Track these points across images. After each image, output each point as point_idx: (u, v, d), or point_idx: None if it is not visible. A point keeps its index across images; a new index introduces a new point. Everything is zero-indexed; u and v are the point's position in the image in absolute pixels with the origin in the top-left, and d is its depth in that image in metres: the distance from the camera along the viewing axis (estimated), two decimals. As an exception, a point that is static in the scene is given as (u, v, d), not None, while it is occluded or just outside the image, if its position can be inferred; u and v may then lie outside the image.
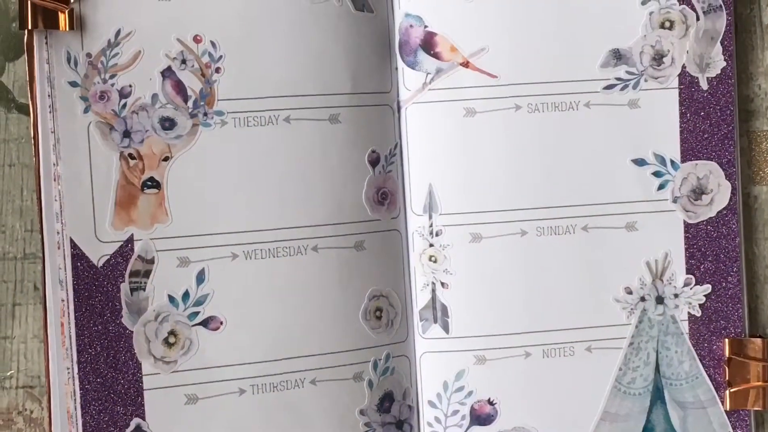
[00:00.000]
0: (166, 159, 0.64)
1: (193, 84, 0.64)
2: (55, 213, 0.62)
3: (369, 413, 0.66)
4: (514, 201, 0.67)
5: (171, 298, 0.63)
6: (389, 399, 0.67)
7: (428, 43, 0.67)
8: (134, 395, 0.63)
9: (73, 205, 0.62)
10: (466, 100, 0.67)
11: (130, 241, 0.63)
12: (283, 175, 0.65)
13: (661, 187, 0.68)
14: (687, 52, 0.67)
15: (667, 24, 0.67)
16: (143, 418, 0.63)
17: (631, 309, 0.68)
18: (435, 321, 0.67)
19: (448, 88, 0.67)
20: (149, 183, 0.63)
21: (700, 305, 0.68)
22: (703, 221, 0.68)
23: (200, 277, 0.64)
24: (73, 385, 0.62)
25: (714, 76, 0.68)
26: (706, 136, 0.68)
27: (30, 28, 0.62)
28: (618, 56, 0.67)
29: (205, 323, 0.64)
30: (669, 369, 0.68)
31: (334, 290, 0.65)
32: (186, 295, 0.64)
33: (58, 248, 0.62)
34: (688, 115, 0.68)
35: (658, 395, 0.68)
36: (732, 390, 0.68)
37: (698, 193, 0.68)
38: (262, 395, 0.64)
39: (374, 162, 0.67)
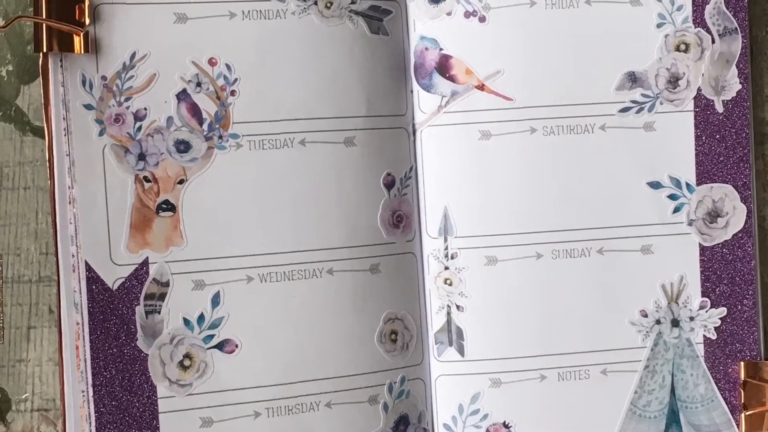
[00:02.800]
0: (181, 182, 0.63)
1: (208, 107, 0.64)
2: (70, 236, 0.62)
3: (384, 436, 0.66)
4: (530, 224, 0.67)
5: (186, 321, 0.63)
6: (404, 422, 0.67)
7: (443, 66, 0.67)
8: (149, 418, 0.63)
9: (88, 227, 0.62)
10: (481, 122, 0.66)
11: (145, 264, 0.63)
12: (298, 198, 0.65)
13: (676, 209, 0.67)
14: (702, 74, 0.67)
15: (683, 47, 0.67)
16: (158, 441, 0.63)
17: (647, 332, 0.67)
18: (450, 344, 0.67)
19: (463, 110, 0.66)
20: (164, 206, 0.63)
21: (716, 328, 0.68)
22: (718, 244, 0.68)
23: (215, 300, 0.64)
24: (88, 408, 0.62)
25: (729, 98, 0.67)
26: (721, 158, 0.67)
27: (45, 51, 0.62)
28: (633, 79, 0.67)
29: (220, 346, 0.64)
30: (684, 392, 0.68)
31: (349, 313, 0.65)
32: (201, 318, 0.63)
33: (73, 271, 0.62)
34: (704, 137, 0.67)
35: (673, 418, 0.68)
36: (747, 413, 0.68)
37: (713, 215, 0.68)
38: (277, 418, 0.64)
39: (389, 185, 0.66)
